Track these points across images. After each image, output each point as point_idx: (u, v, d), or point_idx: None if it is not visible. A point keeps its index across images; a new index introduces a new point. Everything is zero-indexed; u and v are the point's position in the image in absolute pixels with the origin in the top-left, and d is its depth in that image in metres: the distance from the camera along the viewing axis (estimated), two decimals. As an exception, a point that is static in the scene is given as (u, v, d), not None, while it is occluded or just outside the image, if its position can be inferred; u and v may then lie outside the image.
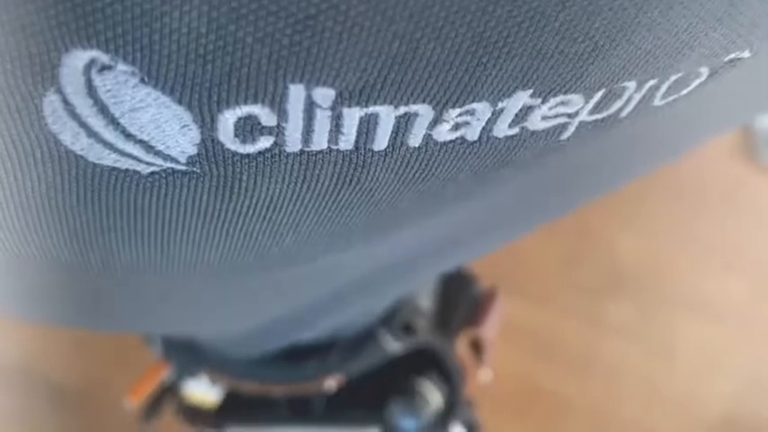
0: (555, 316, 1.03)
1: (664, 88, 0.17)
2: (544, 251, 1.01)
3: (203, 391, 0.51)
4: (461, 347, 0.51)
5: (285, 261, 0.20)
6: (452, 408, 0.48)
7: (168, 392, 0.54)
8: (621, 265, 1.01)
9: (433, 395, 0.46)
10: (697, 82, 0.17)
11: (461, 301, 0.55)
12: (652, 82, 0.16)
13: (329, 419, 0.51)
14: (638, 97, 0.17)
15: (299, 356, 0.42)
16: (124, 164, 0.15)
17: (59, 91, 0.13)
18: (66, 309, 0.25)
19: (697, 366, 1.04)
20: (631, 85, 0.16)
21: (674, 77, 0.17)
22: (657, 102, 0.18)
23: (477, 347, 0.51)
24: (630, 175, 0.28)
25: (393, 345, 0.42)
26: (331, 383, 0.42)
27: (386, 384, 0.49)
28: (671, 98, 0.18)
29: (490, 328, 0.52)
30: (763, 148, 0.92)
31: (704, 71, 0.17)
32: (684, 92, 0.18)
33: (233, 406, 0.54)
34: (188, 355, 0.43)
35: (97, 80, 0.13)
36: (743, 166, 0.94)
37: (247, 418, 0.53)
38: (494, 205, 0.22)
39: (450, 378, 0.47)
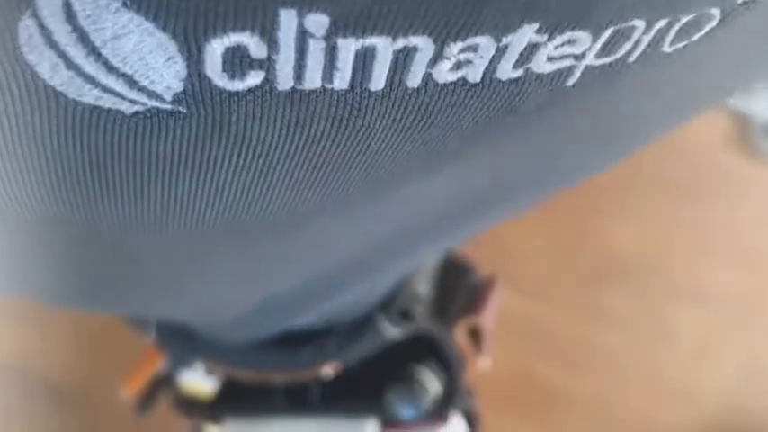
0: (551, 308, 1.02)
1: (673, 32, 0.16)
2: (539, 243, 1.00)
3: (199, 381, 0.50)
4: (460, 336, 0.50)
5: (284, 223, 0.19)
6: (451, 396, 0.47)
7: (163, 383, 0.53)
8: (618, 255, 1.00)
9: (431, 383, 0.46)
10: (708, 26, 0.17)
11: (459, 289, 0.54)
12: (662, 22, 0.16)
13: (327, 409, 0.50)
14: (646, 40, 0.16)
15: (295, 343, 0.41)
16: (107, 102, 0.14)
17: (35, 14, 0.12)
18: (54, 277, 0.24)
19: (696, 355, 1.03)
20: (641, 24, 0.15)
21: (684, 19, 0.16)
22: (666, 47, 0.17)
23: (475, 336, 0.50)
24: (637, 139, 0.27)
25: (391, 331, 0.41)
26: (328, 370, 0.41)
27: (384, 373, 0.48)
28: (681, 44, 0.17)
29: (489, 317, 0.51)
30: (759, 137, 0.91)
31: (716, 13, 0.16)
32: (695, 37, 0.17)
33: (230, 396, 0.53)
34: (183, 343, 0.42)
35: (76, 4, 0.12)
36: (738, 157, 0.93)
37: (245, 409, 0.52)
38: (495, 166, 0.22)
39: (449, 366, 0.47)
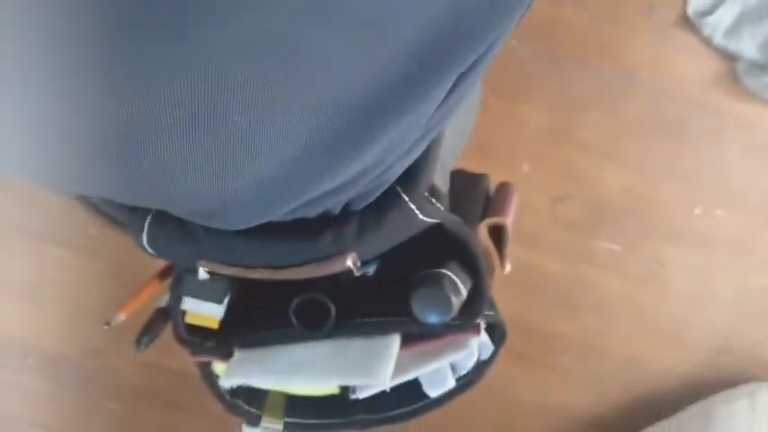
0: (542, 255, 0.99)
1: None
2: (529, 191, 0.97)
3: (204, 307, 0.45)
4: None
5: None
6: (479, 300, 0.42)
7: (163, 316, 0.48)
8: (607, 200, 0.98)
9: (457, 287, 0.41)
10: None
11: (475, 195, 0.50)
12: None
13: (343, 330, 0.45)
14: None
15: (312, 231, 0.36)
16: None
17: None
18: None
19: (688, 296, 1.01)
20: None
21: None
22: None
23: (497, 238, 0.46)
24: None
25: (414, 213, 0.37)
26: (348, 264, 0.36)
27: (405, 282, 0.44)
28: None
29: (511, 219, 0.47)
30: (747, 77, 0.88)
31: None
32: None
33: (237, 322, 0.48)
34: (186, 246, 0.37)
35: None
36: (726, 97, 0.91)
37: (255, 338, 0.47)
38: None
39: (475, 269, 0.42)
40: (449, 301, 0.40)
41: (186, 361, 0.92)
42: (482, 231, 0.43)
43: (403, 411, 0.51)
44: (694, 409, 1.02)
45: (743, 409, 0.97)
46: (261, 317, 0.48)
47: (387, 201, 0.36)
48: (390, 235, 0.38)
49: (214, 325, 0.47)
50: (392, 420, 0.51)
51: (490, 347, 0.48)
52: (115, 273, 0.85)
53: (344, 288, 0.46)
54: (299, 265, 0.37)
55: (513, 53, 0.89)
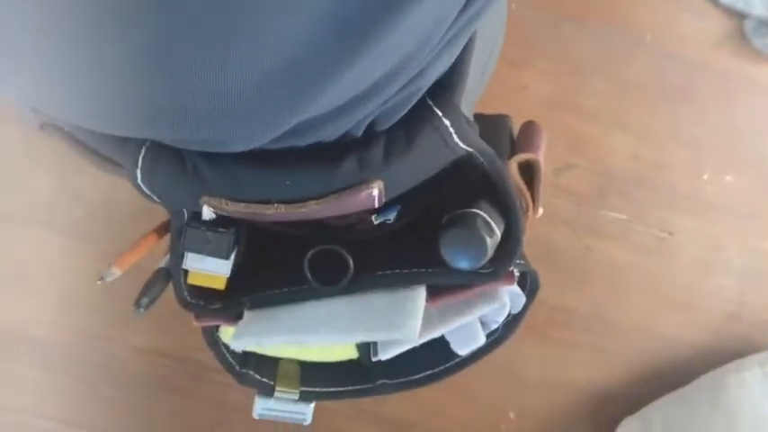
0: (547, 226, 0.96)
1: None
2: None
3: (209, 264, 0.40)
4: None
5: None
6: (512, 242, 0.38)
7: (163, 274, 0.43)
8: (613, 169, 0.94)
9: (491, 227, 0.37)
10: None
11: (498, 135, 0.45)
12: None
13: (364, 286, 0.40)
14: None
15: (333, 156, 0.31)
16: None
17: None
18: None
19: (697, 264, 0.98)
20: None
21: None
22: None
23: (527, 178, 0.41)
24: None
25: (448, 131, 0.32)
26: (373, 193, 0.31)
27: (431, 228, 0.39)
28: None
29: (542, 155, 0.43)
30: (755, 35, 0.84)
31: None
32: None
33: (247, 282, 0.43)
34: (187, 180, 0.32)
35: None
36: (733, 57, 0.87)
37: (266, 298, 0.42)
38: None
39: (507, 206, 0.38)
40: (483, 242, 0.35)
41: (185, 345, 0.88)
42: (512, 168, 0.39)
43: (428, 374, 0.46)
44: (705, 379, 0.99)
45: (755, 378, 0.94)
46: (271, 275, 0.43)
47: (417, 116, 0.31)
48: (420, 161, 0.33)
49: (220, 285, 0.42)
50: (416, 384, 0.47)
51: (522, 299, 0.44)
52: (103, 255, 0.81)
53: (362, 240, 0.42)
54: (319, 197, 0.32)
55: (513, 15, 0.85)
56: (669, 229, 0.97)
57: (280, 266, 0.43)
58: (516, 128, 0.47)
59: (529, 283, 0.43)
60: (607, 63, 0.88)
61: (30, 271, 0.85)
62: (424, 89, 0.31)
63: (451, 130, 0.32)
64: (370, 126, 0.31)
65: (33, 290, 0.85)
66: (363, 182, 0.31)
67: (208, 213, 0.34)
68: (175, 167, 0.31)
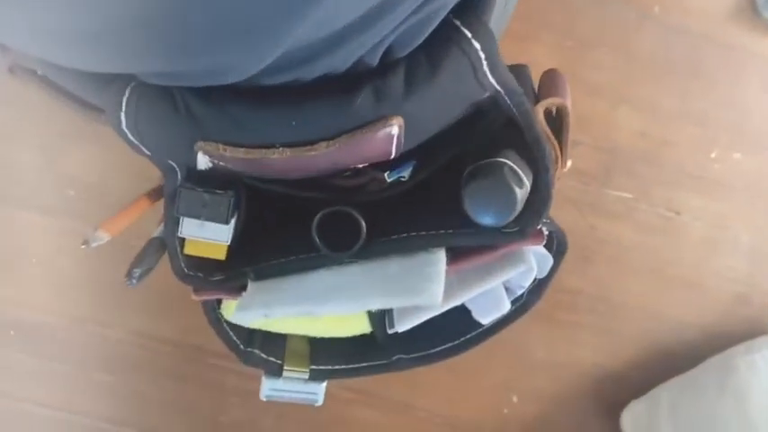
0: (554, 206, 0.92)
1: None
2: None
3: (208, 231, 0.36)
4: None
5: None
6: (542, 195, 0.34)
7: (157, 244, 0.39)
8: (619, 146, 0.90)
9: (520, 177, 0.33)
10: None
11: (521, 82, 0.41)
12: None
13: (378, 251, 0.36)
14: None
15: (346, 87, 0.27)
16: None
17: None
18: None
19: (704, 244, 0.95)
20: None
21: None
22: None
23: (554, 127, 0.37)
24: None
25: (478, 55, 0.28)
26: (393, 130, 0.27)
27: (450, 184, 0.35)
28: None
29: (569, 101, 0.39)
30: (765, 6, 0.81)
31: None
32: None
33: (249, 251, 0.39)
34: (179, 123, 0.28)
35: None
36: (741, 29, 0.84)
37: (271, 267, 0.38)
38: None
39: (536, 155, 0.34)
40: (511, 193, 0.32)
41: (182, 329, 0.84)
42: (539, 115, 0.35)
43: (448, 347, 0.42)
44: (714, 362, 0.96)
45: (764, 360, 0.91)
46: (276, 242, 0.39)
47: (441, 38, 0.27)
48: (445, 93, 0.29)
49: (220, 255, 0.38)
50: (435, 358, 0.43)
51: (549, 261, 0.40)
52: None
53: (374, 201, 0.38)
54: (331, 137, 0.28)
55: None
56: (676, 209, 0.94)
57: (285, 233, 0.39)
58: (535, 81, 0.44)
59: (556, 244, 0.40)
60: (613, 36, 0.85)
61: (19, 254, 0.81)
62: (449, 7, 0.27)
63: (482, 54, 0.28)
64: (387, 53, 0.27)
65: (23, 274, 0.81)
66: (381, 118, 0.27)
67: (204, 162, 0.30)
68: (165, 107, 0.27)
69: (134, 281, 0.36)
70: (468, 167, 0.33)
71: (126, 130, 0.28)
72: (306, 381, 0.43)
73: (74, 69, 0.27)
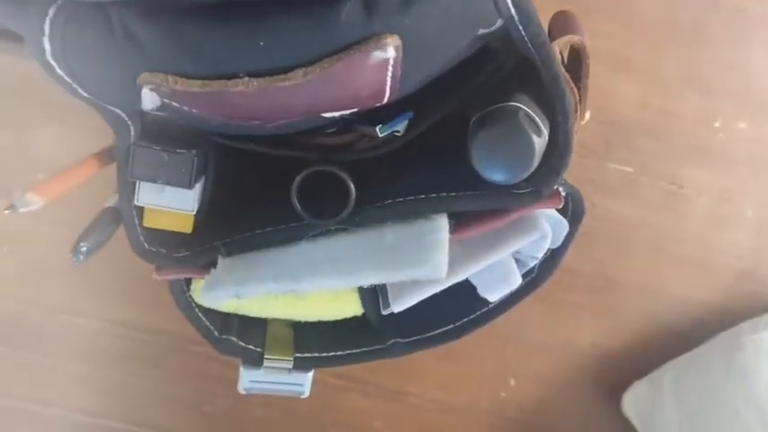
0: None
1: None
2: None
3: (170, 198, 0.30)
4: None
5: None
6: (561, 148, 0.28)
7: (111, 215, 0.33)
8: (619, 118, 0.86)
9: (537, 124, 0.27)
10: None
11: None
12: None
13: (369, 218, 0.31)
14: None
15: None
16: None
17: None
18: None
19: (708, 219, 0.90)
20: None
21: None
22: None
23: (572, 67, 0.32)
24: None
25: None
26: (387, 53, 0.21)
27: (452, 137, 0.30)
28: None
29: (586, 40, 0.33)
30: (770, -36, 0.76)
31: None
32: None
33: (219, 223, 0.33)
34: (118, 48, 0.21)
35: None
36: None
37: (245, 241, 0.32)
38: None
39: (554, 99, 0.28)
40: (529, 142, 0.26)
41: (162, 317, 0.79)
42: (556, 54, 0.29)
43: (450, 328, 0.37)
44: (719, 340, 0.92)
45: (771, 338, 0.88)
46: (250, 211, 0.33)
47: None
48: (451, 12, 0.23)
49: (186, 227, 0.32)
50: (435, 342, 0.37)
51: (564, 228, 0.34)
52: (68, 219, 0.71)
53: (363, 160, 0.32)
54: (309, 63, 0.22)
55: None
56: (678, 182, 0.89)
57: (261, 201, 0.33)
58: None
59: (572, 207, 0.34)
60: (612, 1, 0.80)
61: None
62: None
63: None
64: None
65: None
66: (372, 36, 0.21)
67: (150, 100, 0.24)
68: (99, 30, 0.21)
69: (81, 257, 0.30)
70: (476, 115, 0.27)
71: (51, 61, 0.22)
72: (290, 370, 0.38)
73: None
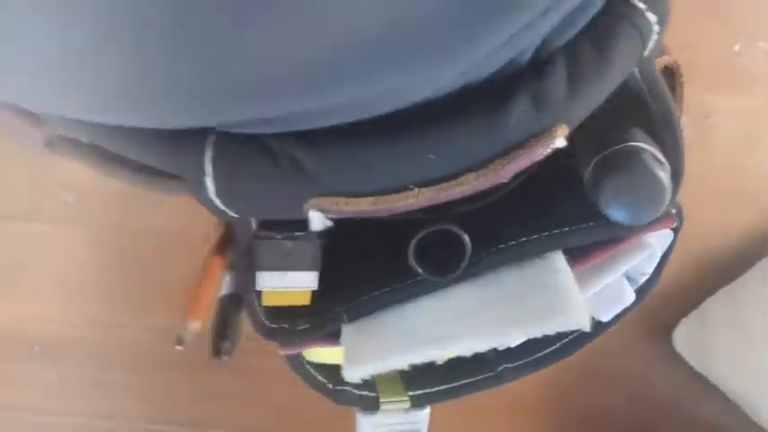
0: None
1: None
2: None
3: (294, 280, 0.30)
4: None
5: None
6: (676, 172, 0.29)
7: (232, 303, 0.33)
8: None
9: (660, 161, 0.27)
10: None
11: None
12: None
13: (484, 266, 0.31)
14: None
15: (493, 100, 0.21)
16: None
17: None
18: None
19: (738, 146, 0.91)
20: None
21: None
22: None
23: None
24: None
25: (649, 26, 0.22)
26: (556, 143, 0.21)
27: (561, 178, 0.30)
28: None
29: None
30: None
31: None
32: None
33: (334, 290, 0.33)
34: (284, 180, 0.22)
35: None
36: None
37: (366, 302, 0.32)
38: None
39: (663, 126, 0.28)
40: (661, 186, 0.26)
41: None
42: (665, 87, 0.29)
43: (558, 347, 0.38)
44: (762, 266, 0.93)
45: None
46: (362, 275, 0.34)
47: (607, 15, 0.21)
48: (612, 88, 0.23)
49: (305, 300, 0.32)
50: (543, 363, 0.38)
51: (667, 238, 0.35)
52: (98, 238, 0.72)
53: (469, 210, 0.32)
54: (479, 167, 0.22)
55: None
56: (705, 112, 0.89)
57: (370, 262, 0.33)
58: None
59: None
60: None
61: (25, 268, 0.76)
62: None
63: (655, 29, 0.22)
64: (541, 45, 0.21)
65: (32, 287, 0.76)
66: (543, 131, 0.21)
67: (318, 222, 0.24)
68: (263, 163, 0.21)
69: (226, 358, 0.30)
70: (595, 158, 0.27)
71: (215, 200, 0.22)
72: (407, 410, 0.39)
73: (131, 128, 0.20)
